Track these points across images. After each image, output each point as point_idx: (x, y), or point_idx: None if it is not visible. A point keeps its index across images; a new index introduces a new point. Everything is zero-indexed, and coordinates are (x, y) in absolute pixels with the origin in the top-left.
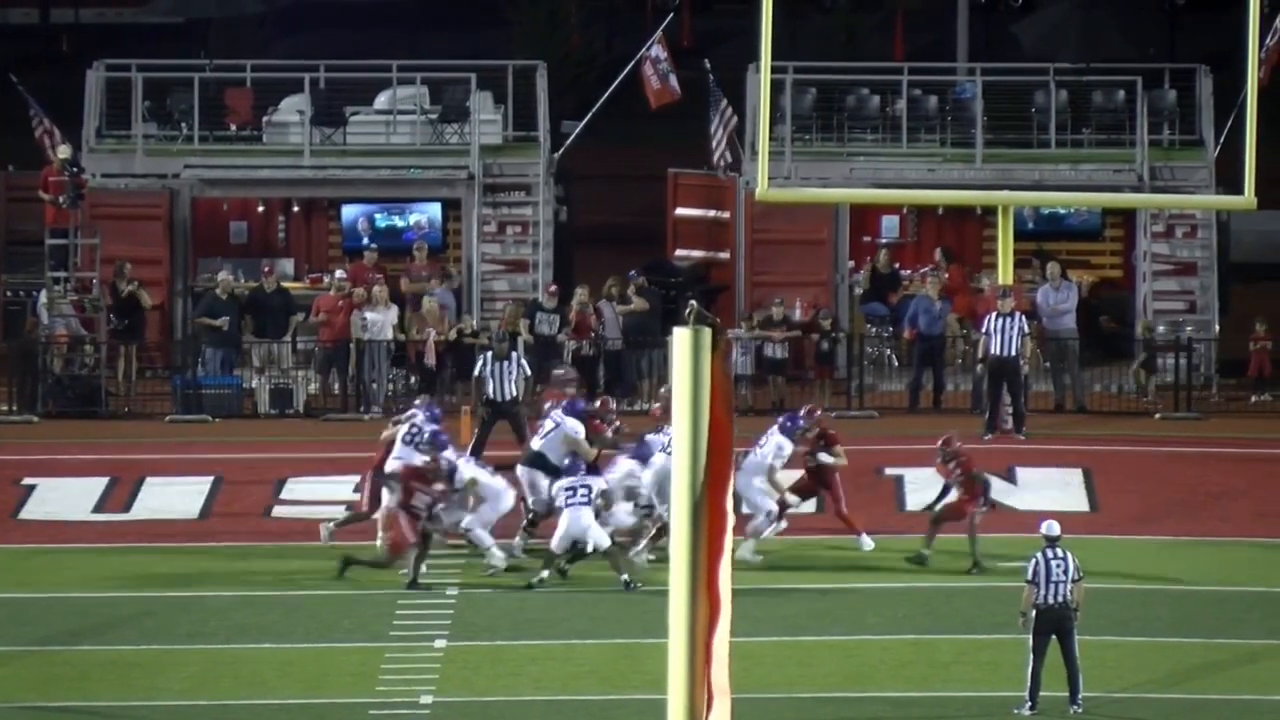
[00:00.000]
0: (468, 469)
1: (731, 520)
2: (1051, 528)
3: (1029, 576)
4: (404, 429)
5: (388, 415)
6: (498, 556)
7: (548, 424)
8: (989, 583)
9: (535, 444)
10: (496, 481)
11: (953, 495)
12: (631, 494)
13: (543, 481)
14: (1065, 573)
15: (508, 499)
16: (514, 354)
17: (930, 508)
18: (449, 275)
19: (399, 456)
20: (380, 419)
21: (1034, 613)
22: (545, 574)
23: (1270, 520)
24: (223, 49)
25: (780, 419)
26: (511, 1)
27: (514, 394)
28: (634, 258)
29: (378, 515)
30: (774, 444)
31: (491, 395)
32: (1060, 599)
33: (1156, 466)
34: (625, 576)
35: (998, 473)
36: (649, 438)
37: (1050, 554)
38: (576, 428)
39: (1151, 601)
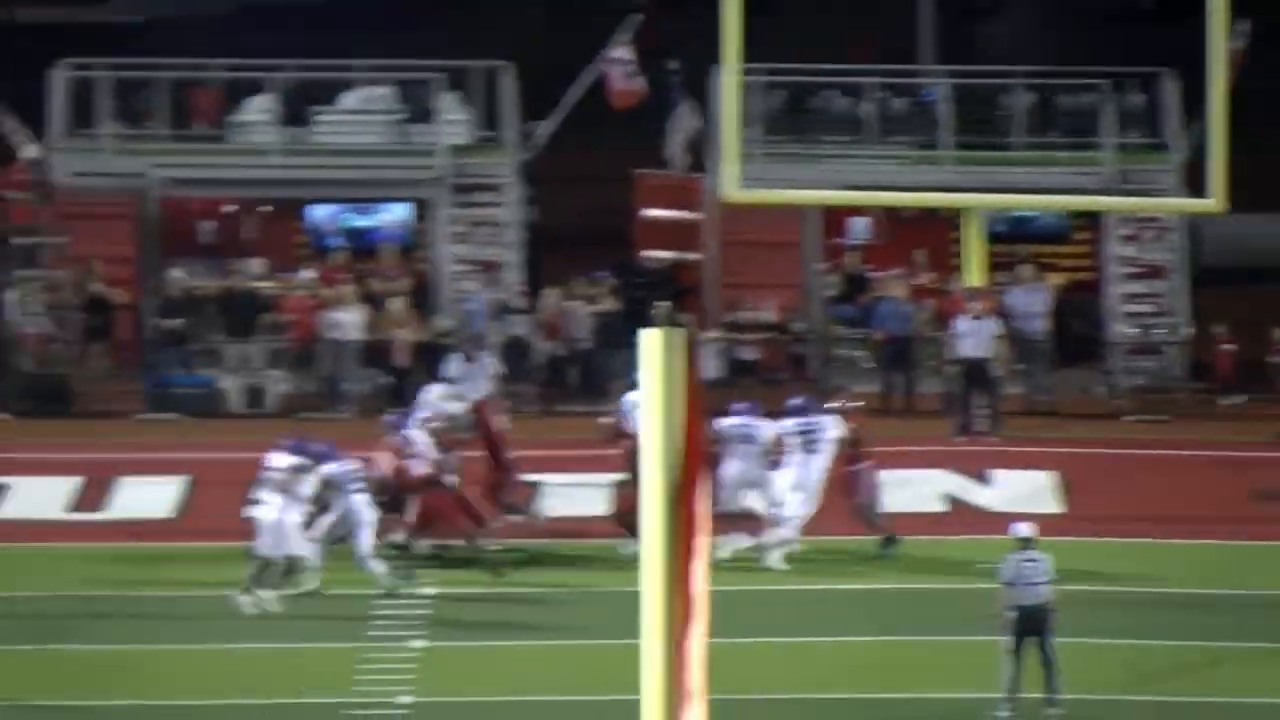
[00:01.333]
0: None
1: (707, 522)
2: (1023, 530)
3: (1005, 579)
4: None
5: (360, 415)
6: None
7: None
8: (964, 584)
9: None
10: None
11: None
12: None
13: None
14: (1040, 574)
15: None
16: (482, 354)
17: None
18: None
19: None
20: (352, 418)
21: (1010, 615)
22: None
23: (1237, 522)
24: (188, 48)
25: None
26: (480, 2)
27: (485, 393)
28: (602, 258)
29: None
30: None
31: (462, 395)
32: (1036, 600)
33: (1126, 468)
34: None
35: (970, 474)
36: None
37: (1023, 556)
38: None
39: (1122, 603)
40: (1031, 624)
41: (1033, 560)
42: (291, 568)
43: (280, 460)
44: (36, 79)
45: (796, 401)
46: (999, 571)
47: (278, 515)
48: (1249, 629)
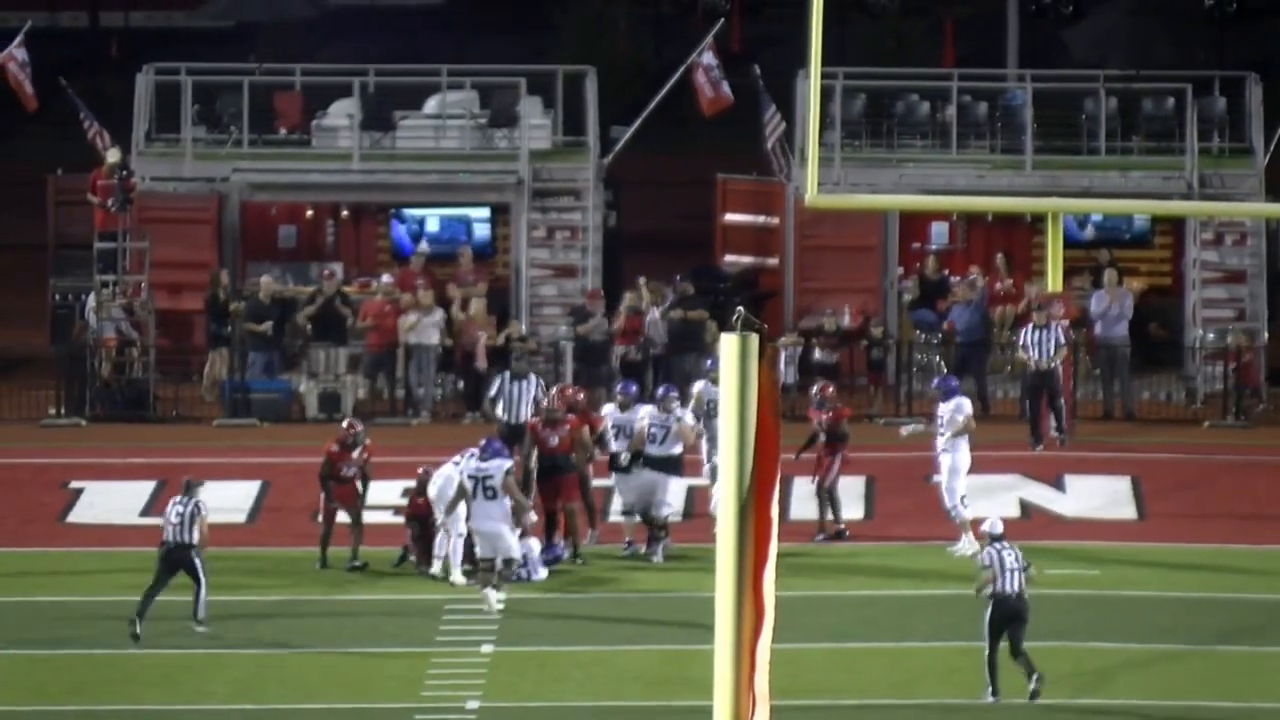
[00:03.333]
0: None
1: (776, 526)
2: (995, 526)
3: (984, 563)
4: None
5: (435, 420)
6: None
7: None
8: (1034, 590)
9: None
10: None
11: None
12: None
13: None
14: (1017, 561)
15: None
16: (531, 375)
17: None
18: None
19: None
20: (427, 423)
21: (993, 603)
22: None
23: None
24: (272, 53)
25: None
26: (560, 6)
27: (526, 417)
28: (682, 263)
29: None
30: None
31: (502, 417)
32: (1016, 588)
33: (1205, 475)
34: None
35: (1047, 481)
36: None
37: (1000, 546)
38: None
39: (1198, 609)
40: (1014, 611)
41: (1008, 549)
42: (508, 566)
43: (487, 465)
44: (122, 83)
45: (951, 381)
46: (979, 559)
47: (497, 523)
48: None
